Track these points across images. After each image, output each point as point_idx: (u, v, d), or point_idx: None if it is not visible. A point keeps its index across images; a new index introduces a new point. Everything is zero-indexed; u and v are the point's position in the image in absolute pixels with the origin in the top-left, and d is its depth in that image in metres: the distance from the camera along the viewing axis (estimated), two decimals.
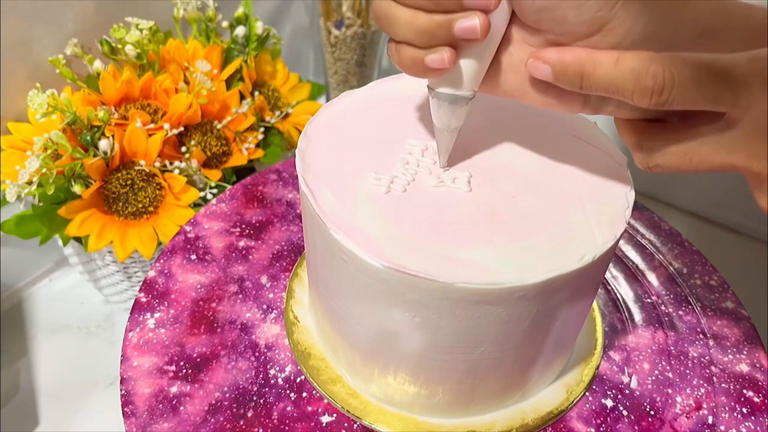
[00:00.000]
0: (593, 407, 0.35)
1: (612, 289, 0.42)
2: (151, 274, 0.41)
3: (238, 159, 0.58)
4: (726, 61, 0.22)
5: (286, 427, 0.33)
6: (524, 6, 0.24)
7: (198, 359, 0.36)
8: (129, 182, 0.51)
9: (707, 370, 0.37)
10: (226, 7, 0.63)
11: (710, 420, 0.34)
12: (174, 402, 0.34)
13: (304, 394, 0.35)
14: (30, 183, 0.48)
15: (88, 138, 0.49)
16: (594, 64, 0.23)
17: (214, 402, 0.34)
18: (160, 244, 0.52)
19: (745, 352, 0.38)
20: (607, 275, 0.43)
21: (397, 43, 0.26)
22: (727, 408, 0.35)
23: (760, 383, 0.36)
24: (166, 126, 0.52)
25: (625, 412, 0.34)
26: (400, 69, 0.26)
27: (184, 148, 0.54)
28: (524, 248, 0.27)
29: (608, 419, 0.34)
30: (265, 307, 0.39)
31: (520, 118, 0.34)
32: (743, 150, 0.23)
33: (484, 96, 0.35)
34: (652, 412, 0.34)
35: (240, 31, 0.61)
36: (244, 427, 0.33)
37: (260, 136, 0.60)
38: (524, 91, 0.26)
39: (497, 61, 0.26)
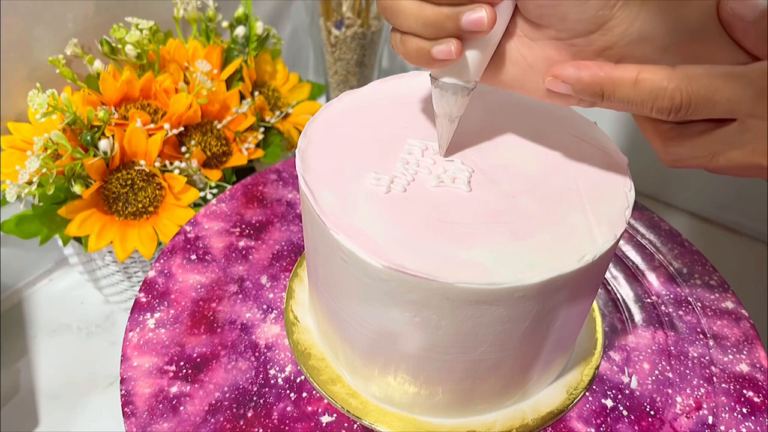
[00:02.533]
0: (593, 407, 0.35)
1: (612, 289, 0.42)
2: (151, 274, 0.41)
3: (238, 159, 0.58)
4: (740, 73, 0.22)
5: (286, 427, 0.33)
6: (527, 2, 0.25)
7: (198, 359, 0.36)
8: (129, 182, 0.51)
9: (707, 370, 0.37)
10: (226, 7, 0.63)
11: (710, 420, 0.34)
12: (174, 402, 0.34)
13: (304, 394, 0.35)
14: (30, 183, 0.48)
15: (88, 138, 0.49)
16: (613, 85, 0.24)
17: (214, 402, 0.34)
18: (160, 244, 0.52)
19: (745, 352, 0.38)
20: (607, 275, 0.43)
21: (402, 34, 0.26)
22: (727, 408, 0.35)
23: (760, 383, 0.36)
24: (166, 126, 0.52)
25: (625, 412, 0.34)
26: (404, 59, 0.27)
27: (184, 148, 0.54)
28: (524, 248, 0.27)
29: (608, 419, 0.34)
30: (265, 307, 0.39)
31: (520, 118, 0.34)
32: (766, 150, 0.23)
33: (484, 96, 0.35)
34: (652, 412, 0.34)
35: (240, 31, 0.61)
36: (244, 427, 0.33)
37: (260, 136, 0.60)
38: (523, 83, 0.27)
39: (499, 53, 0.27)
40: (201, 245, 0.43)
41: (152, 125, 0.52)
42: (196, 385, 0.35)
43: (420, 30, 0.25)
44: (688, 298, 0.41)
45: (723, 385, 0.36)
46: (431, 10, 0.25)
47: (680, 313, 0.40)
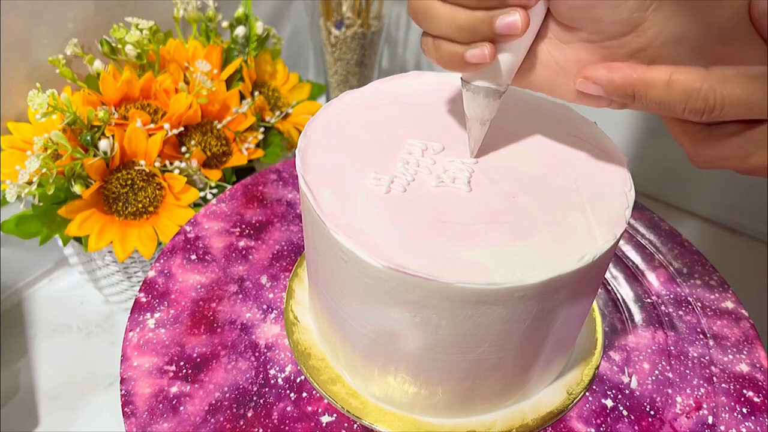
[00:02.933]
0: (593, 407, 0.35)
1: (612, 289, 0.42)
2: (151, 274, 0.41)
3: (238, 159, 0.58)
4: None
5: (286, 427, 0.33)
6: (560, 4, 0.25)
7: (198, 359, 0.36)
8: (129, 182, 0.51)
9: (707, 370, 0.37)
10: (226, 7, 0.63)
11: (710, 420, 0.34)
12: (174, 402, 0.34)
13: (304, 394, 0.35)
14: (30, 183, 0.48)
15: (88, 138, 0.49)
16: (645, 86, 0.24)
17: (214, 402, 0.34)
18: (160, 244, 0.52)
19: (745, 352, 0.38)
20: (607, 275, 0.43)
21: (434, 38, 0.26)
22: (727, 408, 0.35)
23: (760, 383, 0.36)
24: (166, 126, 0.52)
25: (625, 412, 0.34)
26: (436, 63, 0.26)
27: (184, 148, 0.54)
28: (524, 248, 0.27)
29: (608, 419, 0.34)
30: (265, 307, 0.39)
31: (521, 118, 0.34)
32: None
33: None
34: (652, 412, 0.34)
35: (240, 31, 0.61)
36: (244, 427, 0.33)
37: (260, 136, 0.60)
38: (554, 85, 0.27)
39: (530, 55, 0.27)
40: (201, 245, 0.43)
41: (152, 125, 0.52)
42: (196, 385, 0.35)
43: (453, 34, 0.25)
44: (688, 298, 0.41)
45: (723, 385, 0.36)
46: (465, 14, 0.24)
47: (680, 313, 0.40)
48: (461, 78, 0.28)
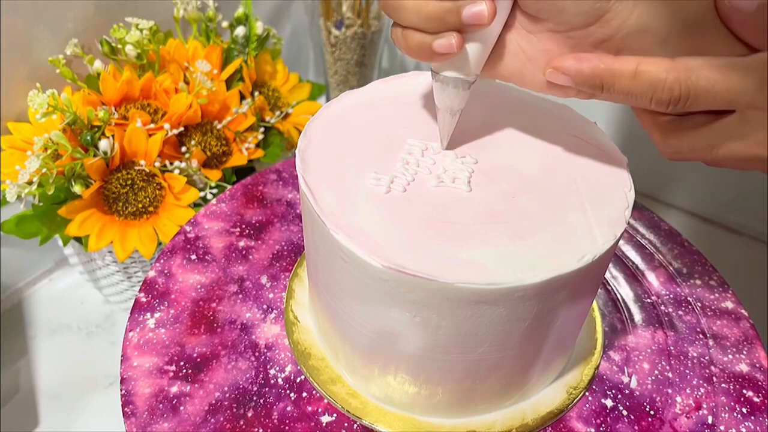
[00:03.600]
0: (593, 407, 0.35)
1: (612, 289, 0.42)
2: (151, 274, 0.41)
3: (238, 159, 0.58)
4: (739, 65, 0.22)
5: (286, 427, 0.33)
6: None
7: (198, 359, 0.36)
8: (129, 182, 0.51)
9: (707, 370, 0.37)
10: (226, 7, 0.63)
11: (710, 420, 0.34)
12: (174, 402, 0.34)
13: (304, 394, 0.35)
14: (30, 183, 0.48)
15: (88, 138, 0.49)
16: (613, 77, 0.24)
17: (214, 402, 0.34)
18: (160, 244, 0.52)
19: (745, 352, 0.38)
20: (607, 275, 0.43)
21: (403, 29, 0.26)
22: (727, 408, 0.35)
23: (760, 383, 0.36)
24: (166, 126, 0.52)
25: (625, 412, 0.34)
26: (406, 54, 0.27)
27: (184, 148, 0.54)
28: (524, 248, 0.27)
29: (608, 419, 0.34)
30: (265, 307, 0.39)
31: (520, 118, 0.34)
32: (765, 142, 0.23)
33: (484, 97, 0.35)
34: (652, 412, 0.34)
35: (240, 31, 0.61)
36: (244, 427, 0.33)
37: (260, 136, 0.60)
38: (523, 75, 0.28)
39: (498, 46, 0.27)
40: (201, 245, 0.43)
41: (152, 125, 0.52)
42: (196, 385, 0.35)
43: (421, 24, 0.25)
44: (688, 298, 0.41)
45: (723, 385, 0.36)
46: (432, 4, 0.25)
47: (680, 313, 0.40)
48: (431, 69, 0.29)
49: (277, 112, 0.64)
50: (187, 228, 0.44)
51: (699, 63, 0.23)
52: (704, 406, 0.35)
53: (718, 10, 0.23)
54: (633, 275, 0.43)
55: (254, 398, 0.34)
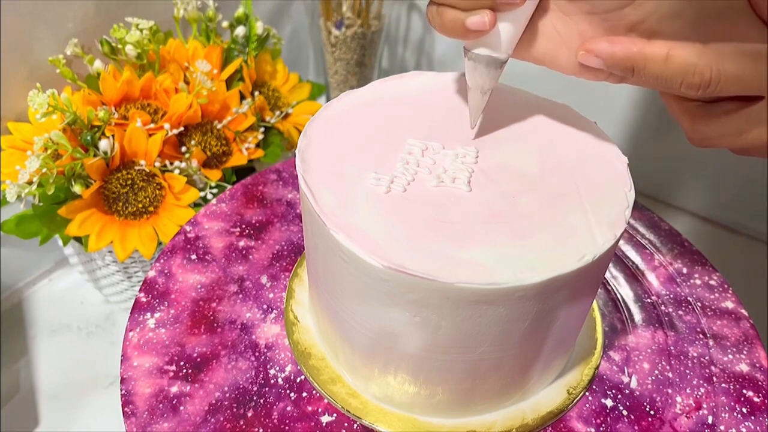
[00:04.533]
0: (593, 407, 0.35)
1: (612, 289, 0.42)
2: (151, 274, 0.41)
3: (238, 159, 0.58)
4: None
5: (286, 427, 0.33)
6: None
7: (198, 359, 0.36)
8: (129, 182, 0.51)
9: (707, 370, 0.37)
10: (226, 7, 0.63)
11: (710, 420, 0.34)
12: (174, 402, 0.34)
13: (304, 394, 0.35)
14: (30, 183, 0.48)
15: (88, 138, 0.49)
16: (645, 60, 0.24)
17: (214, 402, 0.34)
18: (160, 244, 0.52)
19: (745, 352, 0.38)
20: (607, 275, 0.43)
21: (438, 6, 0.27)
22: (727, 408, 0.35)
23: (760, 383, 0.36)
24: (166, 126, 0.52)
25: (625, 412, 0.34)
26: (440, 31, 0.27)
27: (184, 148, 0.54)
28: (524, 248, 0.27)
29: (608, 419, 0.34)
30: (265, 307, 0.39)
31: (520, 118, 0.34)
32: None
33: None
34: (652, 412, 0.34)
35: (240, 31, 0.61)
36: (244, 427, 0.33)
37: (260, 136, 0.60)
38: (555, 57, 0.28)
39: (531, 27, 0.28)
40: (201, 245, 0.43)
41: (152, 125, 0.52)
42: (196, 385, 0.35)
43: (455, 1, 0.26)
44: (688, 298, 0.41)
45: (723, 384, 0.36)
46: None
47: (680, 313, 0.40)
48: (464, 47, 0.29)
49: (277, 112, 0.64)
50: (187, 228, 0.44)
51: (730, 49, 0.23)
52: (704, 406, 0.35)
53: None
54: (633, 275, 0.43)
55: (254, 398, 0.34)
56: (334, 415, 0.34)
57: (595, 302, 0.40)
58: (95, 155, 0.49)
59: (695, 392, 0.35)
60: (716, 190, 0.74)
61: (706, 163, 0.73)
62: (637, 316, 0.40)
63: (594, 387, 0.36)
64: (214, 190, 0.54)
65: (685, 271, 0.43)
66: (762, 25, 0.24)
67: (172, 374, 0.35)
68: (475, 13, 0.26)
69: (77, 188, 0.48)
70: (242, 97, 0.60)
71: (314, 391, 0.35)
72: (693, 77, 0.24)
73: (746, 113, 0.24)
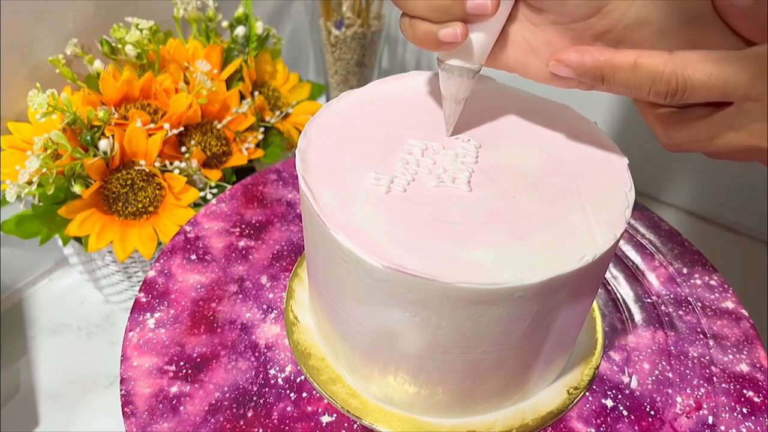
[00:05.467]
0: (593, 407, 0.35)
1: (612, 289, 0.42)
2: (151, 274, 0.41)
3: (238, 159, 0.58)
4: (734, 58, 0.23)
5: (286, 427, 0.33)
6: None
7: (198, 359, 0.36)
8: (129, 182, 0.51)
9: (707, 370, 0.37)
10: (226, 7, 0.63)
11: (710, 420, 0.34)
12: (174, 402, 0.34)
13: (304, 394, 0.35)
14: (30, 183, 0.48)
15: (88, 138, 0.49)
16: (613, 69, 0.25)
17: (214, 402, 0.34)
18: (160, 244, 0.52)
19: (745, 352, 0.38)
20: (607, 275, 0.43)
21: (410, 18, 0.27)
22: (727, 408, 0.35)
23: (760, 383, 0.36)
24: (166, 126, 0.52)
25: (625, 412, 0.34)
26: (413, 42, 0.28)
27: (184, 148, 0.54)
28: (524, 248, 0.27)
29: (608, 419, 0.34)
30: (265, 307, 0.39)
31: (520, 118, 0.34)
32: (764, 132, 0.24)
33: (484, 96, 0.35)
34: (652, 412, 0.34)
35: (240, 31, 0.61)
36: (244, 427, 0.33)
37: (260, 136, 0.60)
38: (525, 66, 0.28)
39: (502, 37, 0.28)
40: (201, 245, 0.43)
41: (152, 125, 0.52)
42: (196, 385, 0.35)
43: (427, 14, 0.26)
44: (688, 298, 0.41)
45: (723, 385, 0.36)
46: None
47: (680, 313, 0.40)
48: (437, 58, 0.30)
49: (277, 112, 0.64)
50: (187, 228, 0.44)
51: (695, 56, 0.23)
52: (704, 406, 0.35)
53: (714, 5, 0.24)
54: (633, 275, 0.43)
55: (254, 398, 0.34)
56: (334, 415, 0.34)
57: (595, 302, 0.40)
58: (95, 155, 0.49)
59: (695, 392, 0.35)
60: (716, 190, 0.74)
61: (706, 163, 0.73)
62: (637, 316, 0.40)
63: (594, 387, 0.36)
64: (214, 190, 0.54)
65: (685, 271, 0.43)
66: (729, 32, 0.24)
67: (172, 374, 0.35)
68: (447, 26, 0.26)
69: (77, 188, 0.48)
70: (242, 97, 0.60)
71: (314, 391, 0.35)
72: (660, 85, 0.24)
73: (716, 118, 0.25)
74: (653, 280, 0.42)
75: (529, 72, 0.28)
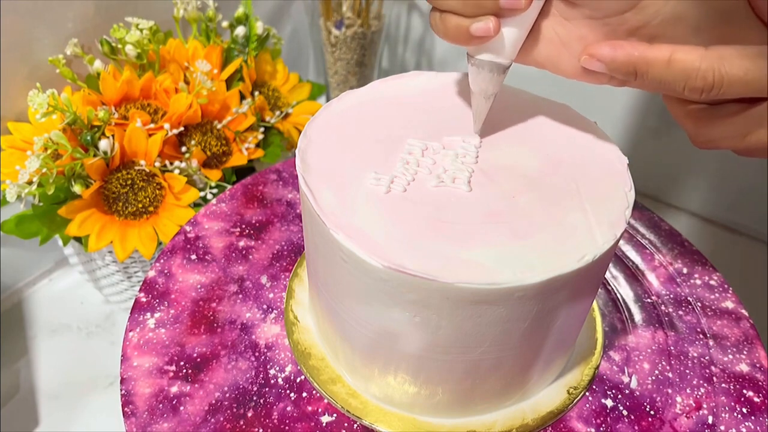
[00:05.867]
0: (593, 407, 0.35)
1: (612, 289, 0.42)
2: (151, 274, 0.41)
3: (238, 159, 0.58)
4: None
5: (286, 427, 0.33)
6: None
7: (198, 359, 0.36)
8: (129, 182, 0.51)
9: (707, 370, 0.37)
10: (226, 7, 0.63)
11: (710, 420, 0.34)
12: (174, 402, 0.34)
13: (304, 394, 0.35)
14: (30, 183, 0.48)
15: (88, 138, 0.49)
16: (647, 64, 0.24)
17: (214, 402, 0.34)
18: (160, 244, 0.52)
19: (745, 352, 0.38)
20: (607, 275, 0.43)
21: (441, 13, 0.27)
22: (727, 408, 0.35)
23: (760, 383, 0.36)
24: (166, 126, 0.52)
25: (625, 412, 0.34)
26: (443, 38, 0.27)
27: (184, 148, 0.54)
28: (524, 248, 0.27)
29: (608, 419, 0.34)
30: (265, 307, 0.39)
31: (520, 118, 0.34)
32: None
33: None
34: (652, 412, 0.34)
35: (240, 31, 0.61)
36: (244, 427, 0.33)
37: (260, 136, 0.60)
38: (557, 62, 0.28)
39: (534, 32, 0.28)
40: (201, 245, 0.43)
41: (152, 125, 0.52)
42: (196, 385, 0.35)
43: (459, 8, 0.26)
44: (688, 298, 0.41)
45: (723, 385, 0.36)
46: None
47: (680, 313, 0.40)
48: (467, 53, 0.29)
49: (277, 112, 0.64)
50: (187, 228, 0.44)
51: (732, 51, 0.23)
52: (704, 406, 0.35)
53: (750, 2, 0.24)
54: (633, 275, 0.43)
55: (254, 398, 0.34)
56: (334, 415, 0.34)
57: (595, 302, 0.40)
58: (95, 155, 0.49)
59: (695, 392, 0.35)
60: (716, 190, 0.74)
61: (706, 163, 0.73)
62: (637, 316, 0.40)
63: (594, 387, 0.36)
64: (214, 190, 0.54)
65: (685, 271, 0.43)
66: (763, 27, 0.24)
67: (172, 374, 0.35)
68: (479, 20, 0.26)
69: (77, 188, 0.48)
70: (242, 97, 0.60)
71: (314, 391, 0.35)
72: (696, 81, 0.24)
73: (749, 115, 0.24)
74: (653, 280, 0.42)
75: (560, 68, 0.28)
